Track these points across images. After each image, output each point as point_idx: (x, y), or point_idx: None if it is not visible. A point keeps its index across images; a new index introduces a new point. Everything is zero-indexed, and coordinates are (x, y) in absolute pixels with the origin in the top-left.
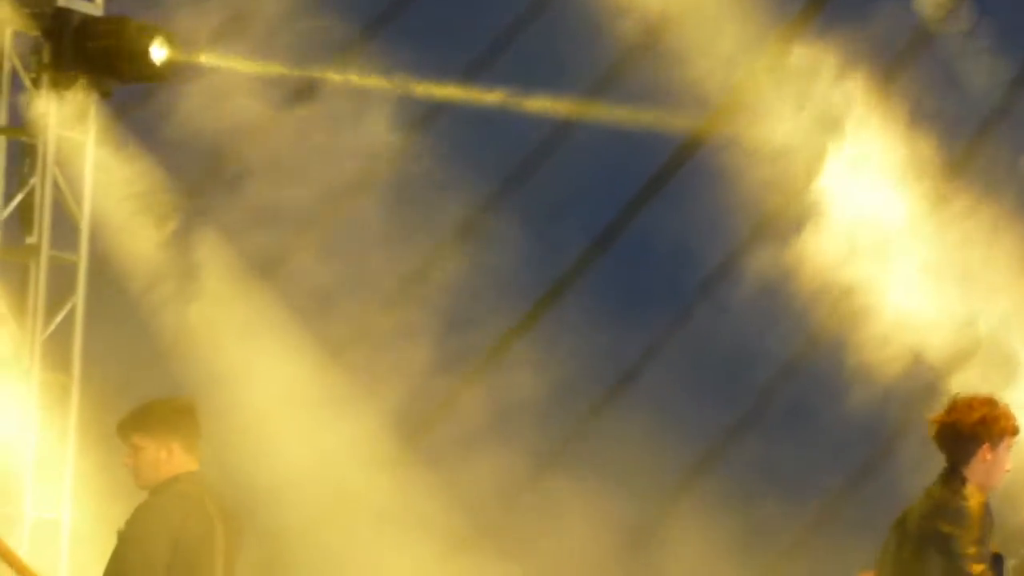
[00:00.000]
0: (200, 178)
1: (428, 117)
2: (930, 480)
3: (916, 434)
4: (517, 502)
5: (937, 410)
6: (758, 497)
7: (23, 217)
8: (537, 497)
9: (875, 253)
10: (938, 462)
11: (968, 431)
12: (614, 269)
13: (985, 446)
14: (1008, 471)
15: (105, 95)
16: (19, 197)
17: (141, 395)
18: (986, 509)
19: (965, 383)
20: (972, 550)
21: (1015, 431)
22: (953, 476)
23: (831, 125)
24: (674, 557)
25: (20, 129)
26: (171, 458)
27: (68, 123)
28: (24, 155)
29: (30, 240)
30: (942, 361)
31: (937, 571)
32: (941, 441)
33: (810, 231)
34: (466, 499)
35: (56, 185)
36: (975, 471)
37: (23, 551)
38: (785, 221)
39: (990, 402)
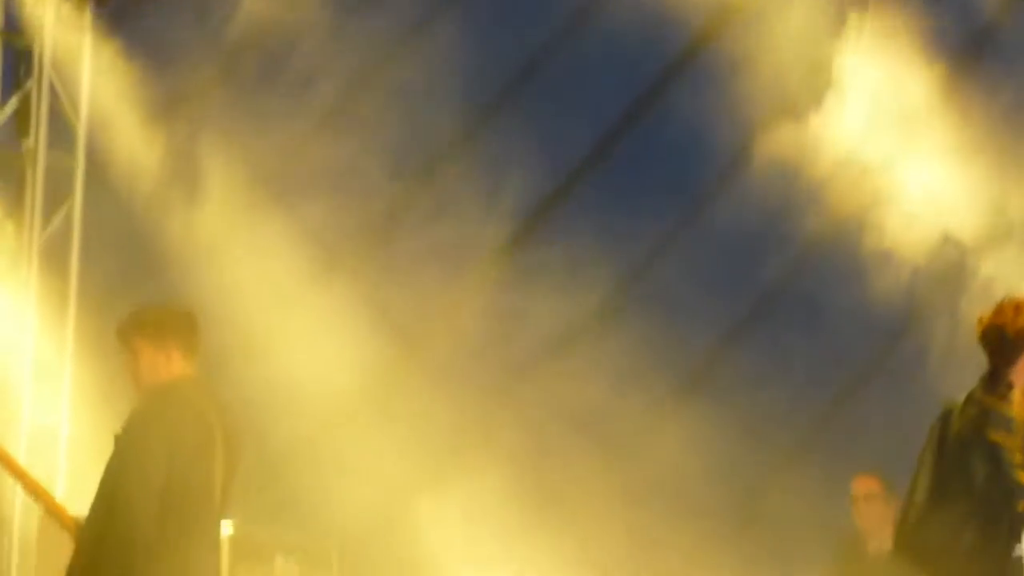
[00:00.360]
0: (204, 83)
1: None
2: (953, 377)
3: (940, 324)
4: (515, 392)
5: (971, 304)
6: (772, 388)
7: (20, 121)
8: (539, 389)
9: (898, 131)
10: (963, 357)
11: (1013, 335)
12: (628, 160)
13: None
14: None
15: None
16: (15, 101)
17: (140, 301)
18: None
19: (995, 268)
20: (1019, 458)
21: None
22: (997, 381)
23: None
24: (682, 451)
25: (16, 33)
26: (169, 363)
27: (64, 26)
28: (20, 59)
29: (27, 144)
30: (970, 245)
31: (982, 477)
32: (986, 343)
33: (830, 109)
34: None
35: (53, 89)
36: (1020, 376)
37: (21, 457)
38: (804, 101)
39: None
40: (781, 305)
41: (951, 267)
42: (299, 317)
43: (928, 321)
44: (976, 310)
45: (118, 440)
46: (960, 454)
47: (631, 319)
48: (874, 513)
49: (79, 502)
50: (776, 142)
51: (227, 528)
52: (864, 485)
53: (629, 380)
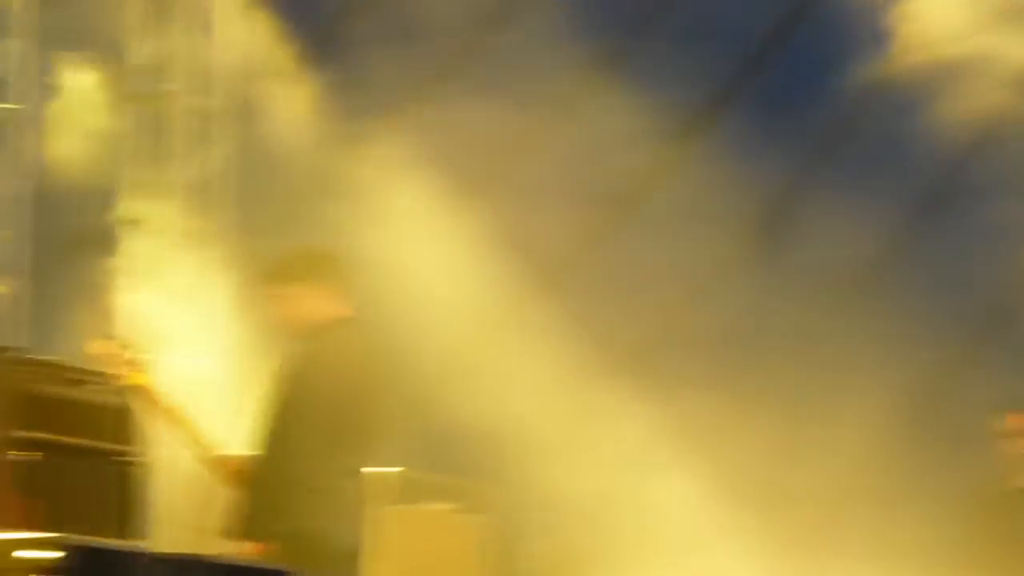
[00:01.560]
0: (346, 29)
1: None
2: None
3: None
4: (667, 312)
5: None
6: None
7: (162, 64)
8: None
9: None
10: None
11: None
12: None
13: None
14: None
15: None
16: (158, 44)
17: (289, 240)
18: None
19: None
20: None
21: None
22: None
23: None
24: (743, 292)
25: None
26: (326, 304)
27: None
28: (161, 1)
29: (169, 87)
30: None
31: None
32: None
33: None
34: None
35: (194, 31)
36: None
37: (176, 398)
38: None
39: None
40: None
41: None
42: (442, 250)
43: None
44: None
45: (282, 382)
46: None
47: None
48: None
49: (235, 445)
50: None
51: (387, 468)
52: (1019, 421)
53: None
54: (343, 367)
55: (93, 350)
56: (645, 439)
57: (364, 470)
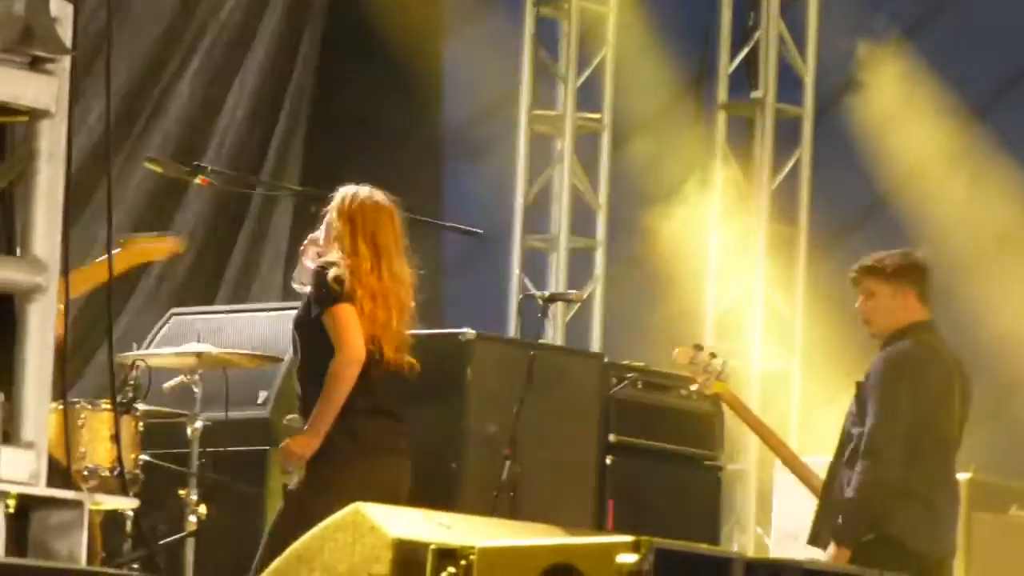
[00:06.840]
0: None
1: None
2: None
3: None
4: None
5: None
6: None
7: (749, 71)
8: None
9: None
10: None
11: None
12: None
13: None
14: None
15: None
16: (745, 51)
17: (866, 243)
18: None
19: None
20: None
21: None
22: None
23: None
24: None
25: None
26: (906, 305)
27: None
28: (749, 8)
29: (756, 94)
30: None
31: None
32: None
33: None
34: None
35: (779, 37)
36: None
37: (753, 405)
38: None
39: None
40: None
41: None
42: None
43: None
44: None
45: (860, 386)
46: None
47: None
48: None
49: (811, 450)
50: None
51: (964, 474)
52: None
53: None
54: (924, 371)
55: (680, 358)
56: None
57: (960, 476)
